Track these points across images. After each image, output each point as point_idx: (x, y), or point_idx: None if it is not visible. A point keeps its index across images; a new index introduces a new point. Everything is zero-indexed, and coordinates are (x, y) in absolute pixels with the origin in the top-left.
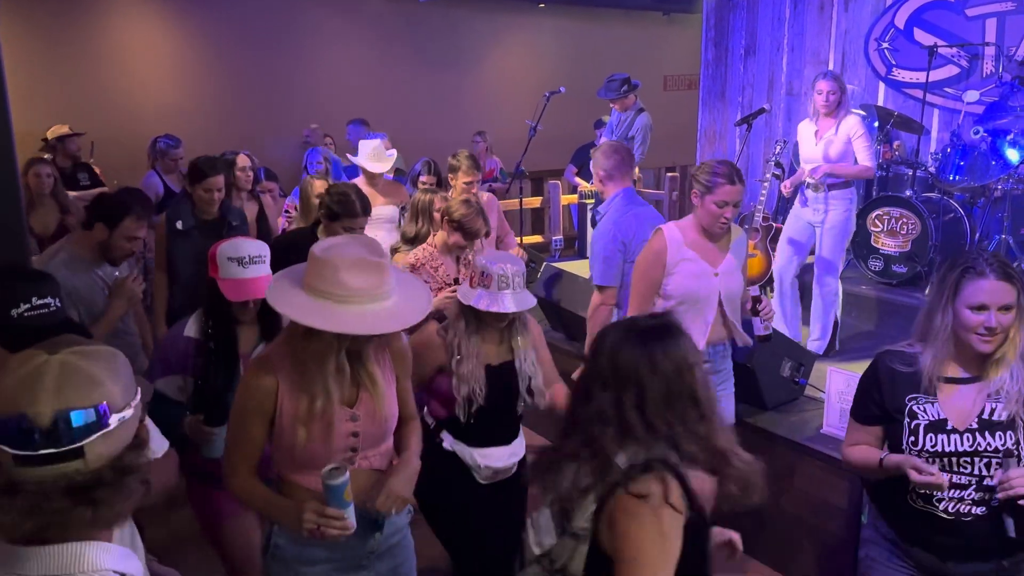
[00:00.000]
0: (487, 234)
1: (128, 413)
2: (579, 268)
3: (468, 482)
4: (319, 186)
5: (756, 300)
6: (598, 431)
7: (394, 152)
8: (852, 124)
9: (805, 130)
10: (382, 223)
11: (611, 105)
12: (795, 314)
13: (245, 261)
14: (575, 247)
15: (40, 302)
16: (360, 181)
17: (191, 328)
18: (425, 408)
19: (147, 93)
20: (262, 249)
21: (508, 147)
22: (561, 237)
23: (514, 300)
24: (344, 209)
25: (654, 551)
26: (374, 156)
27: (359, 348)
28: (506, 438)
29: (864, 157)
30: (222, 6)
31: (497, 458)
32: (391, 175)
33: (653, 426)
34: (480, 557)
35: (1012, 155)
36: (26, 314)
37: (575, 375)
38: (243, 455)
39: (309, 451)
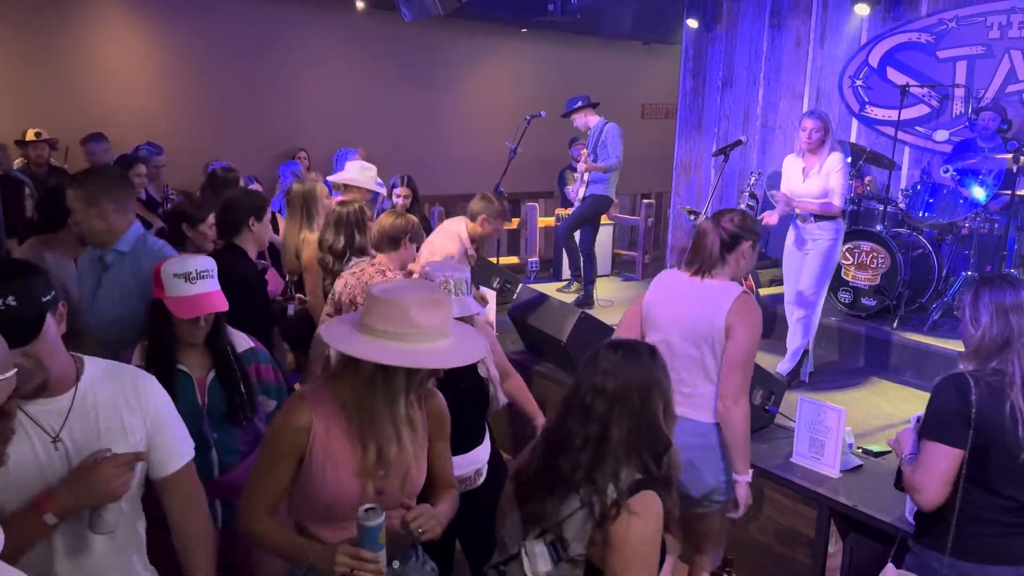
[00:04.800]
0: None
1: None
2: (554, 290)
3: None
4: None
5: None
6: (588, 456)
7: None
8: (835, 161)
9: (792, 165)
10: None
11: (574, 122)
12: (792, 341)
13: (192, 276)
14: (550, 269)
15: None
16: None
17: (137, 356)
18: None
19: (125, 101)
20: (209, 264)
21: (487, 168)
22: (537, 259)
23: (457, 306)
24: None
25: (652, 560)
26: (358, 168)
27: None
28: (464, 446)
29: (835, 196)
30: (203, 16)
31: (458, 467)
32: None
33: (637, 447)
34: (446, 569)
35: (979, 194)
36: None
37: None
38: (266, 499)
39: (332, 503)
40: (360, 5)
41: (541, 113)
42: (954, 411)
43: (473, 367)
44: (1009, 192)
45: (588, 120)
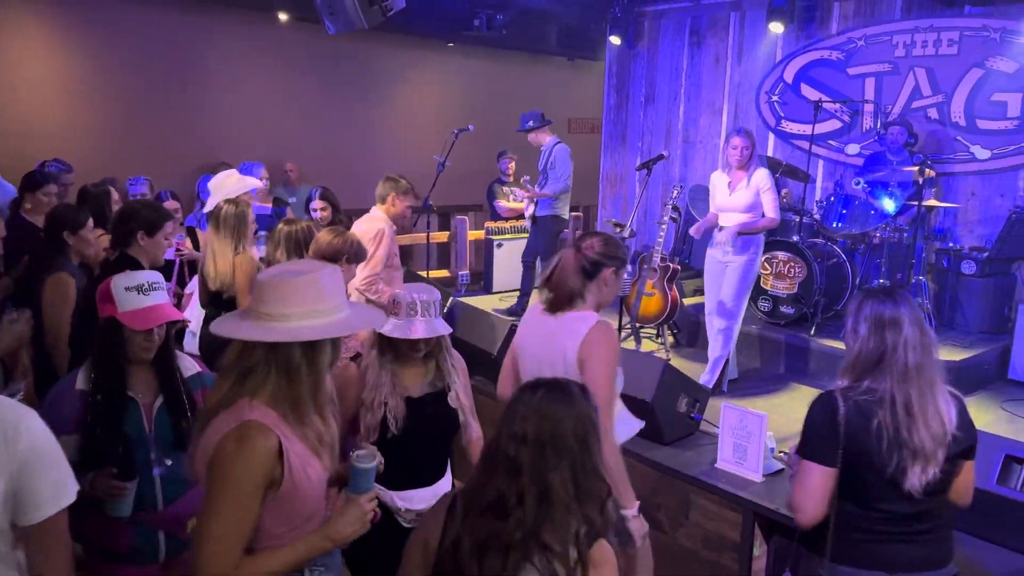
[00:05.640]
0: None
1: None
2: (485, 303)
3: (391, 527)
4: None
5: None
6: (531, 514)
7: (250, 180)
8: (761, 177)
9: (719, 180)
10: None
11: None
12: (713, 351)
13: (145, 288)
14: (481, 282)
15: None
16: None
17: (81, 380)
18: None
19: (35, 115)
20: (157, 276)
21: (416, 181)
22: (468, 272)
23: (424, 327)
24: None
25: None
26: (222, 183)
27: None
28: (429, 478)
29: (770, 209)
30: (116, 25)
31: (420, 500)
32: (268, 205)
33: (580, 496)
34: None
35: (889, 205)
36: None
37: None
38: (243, 542)
39: (316, 497)
40: (283, 17)
41: (469, 127)
42: (824, 430)
43: (443, 396)
44: (916, 203)
45: (540, 138)
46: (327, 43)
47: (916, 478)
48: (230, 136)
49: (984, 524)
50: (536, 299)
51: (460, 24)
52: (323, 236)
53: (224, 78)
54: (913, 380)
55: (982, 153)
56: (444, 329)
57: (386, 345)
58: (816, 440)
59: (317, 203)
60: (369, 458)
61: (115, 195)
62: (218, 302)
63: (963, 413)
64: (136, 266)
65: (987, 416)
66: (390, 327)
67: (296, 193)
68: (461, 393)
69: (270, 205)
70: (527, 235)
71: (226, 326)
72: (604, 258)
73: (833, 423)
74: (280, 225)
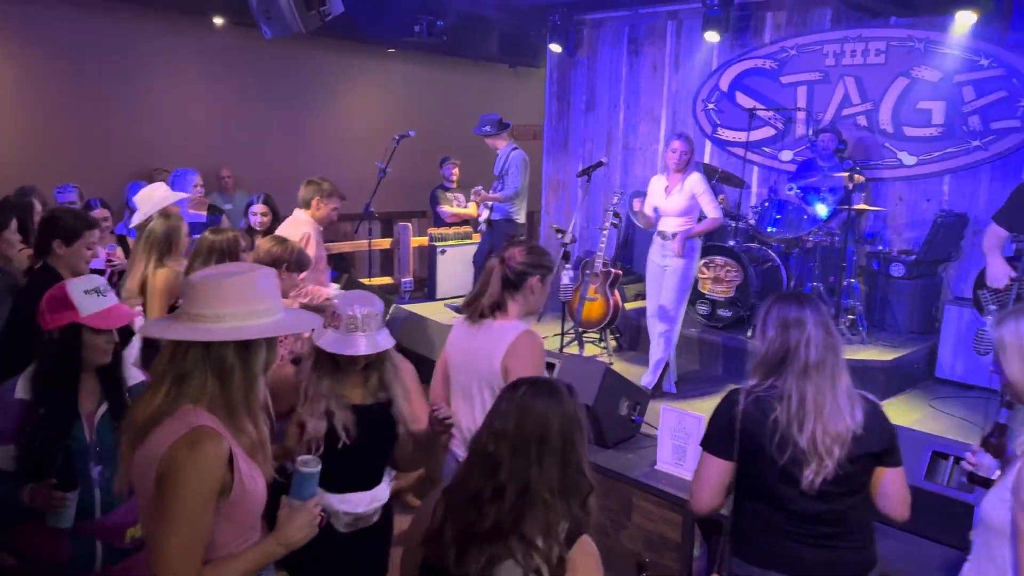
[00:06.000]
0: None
1: None
2: (429, 310)
3: (326, 530)
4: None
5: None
6: (511, 506)
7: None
8: (695, 181)
9: (656, 183)
10: None
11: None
12: (654, 354)
13: (101, 290)
14: (425, 289)
15: None
16: None
17: (22, 390)
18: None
19: None
20: (103, 280)
21: (357, 187)
22: (411, 279)
23: (366, 342)
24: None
25: None
26: (149, 195)
27: None
28: (368, 483)
29: (711, 210)
30: (43, 27)
31: (357, 503)
32: (203, 213)
33: (564, 492)
34: None
35: (821, 210)
36: None
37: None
38: (200, 552)
39: (261, 504)
40: (218, 21)
41: (410, 132)
42: (723, 424)
43: (387, 407)
44: (846, 208)
45: (497, 143)
46: (265, 48)
47: (812, 474)
48: (164, 142)
49: (914, 519)
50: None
51: (401, 30)
52: (263, 244)
53: (157, 83)
54: (813, 377)
55: (909, 159)
56: (387, 343)
57: (325, 357)
58: (715, 433)
59: (258, 207)
60: (314, 463)
61: (38, 206)
62: None
63: (874, 416)
64: (56, 277)
65: (917, 413)
66: (330, 341)
67: (232, 200)
68: (402, 402)
69: (205, 213)
70: (471, 241)
71: (157, 328)
72: (528, 267)
73: (731, 418)
74: (205, 234)
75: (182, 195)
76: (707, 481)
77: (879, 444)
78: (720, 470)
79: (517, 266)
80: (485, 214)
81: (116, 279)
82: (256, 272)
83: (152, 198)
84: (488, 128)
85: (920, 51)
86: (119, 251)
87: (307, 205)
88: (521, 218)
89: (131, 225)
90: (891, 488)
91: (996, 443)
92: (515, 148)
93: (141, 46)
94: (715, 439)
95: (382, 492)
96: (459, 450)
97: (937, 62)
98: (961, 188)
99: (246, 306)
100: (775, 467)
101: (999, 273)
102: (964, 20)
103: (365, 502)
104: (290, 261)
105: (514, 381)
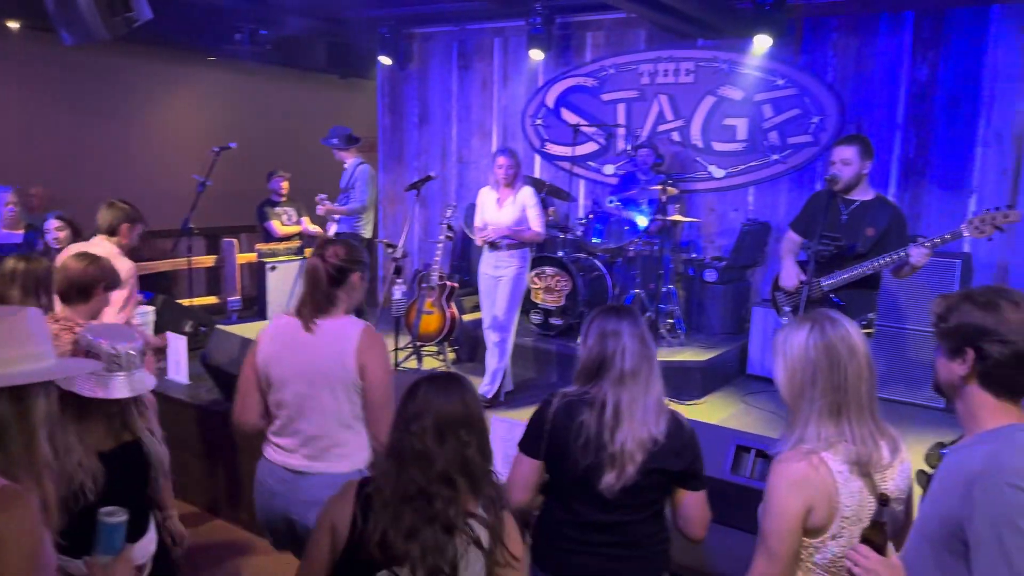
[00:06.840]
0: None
1: None
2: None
3: None
4: None
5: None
6: (473, 480)
7: None
8: (526, 195)
9: (487, 196)
10: None
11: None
12: (490, 363)
13: None
14: (255, 307)
15: None
16: None
17: None
18: None
19: None
20: None
21: (175, 202)
22: (239, 298)
23: (128, 384)
24: None
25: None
26: None
27: None
28: (132, 535)
29: (536, 224)
30: None
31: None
32: (20, 232)
33: (490, 456)
34: None
35: (641, 221)
36: None
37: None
38: None
39: (55, 565)
40: (14, 26)
41: (231, 144)
42: (536, 425)
43: (137, 447)
44: (662, 218)
45: (344, 156)
46: (69, 56)
47: (612, 478)
48: None
49: (723, 511)
50: (279, 313)
51: (220, 38)
52: (72, 263)
53: None
54: (627, 385)
55: (718, 172)
56: (150, 383)
57: (71, 400)
58: (528, 433)
59: (53, 222)
60: (120, 512)
61: None
62: None
63: (679, 435)
64: None
65: (732, 408)
66: (85, 382)
67: (39, 220)
68: (155, 443)
69: (22, 231)
70: (302, 257)
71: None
72: (349, 263)
73: (542, 419)
74: (16, 262)
75: None
76: (517, 479)
77: (679, 463)
78: (528, 468)
79: (339, 263)
80: (333, 228)
81: None
82: (26, 313)
83: None
84: (336, 141)
85: (725, 71)
86: None
87: (113, 232)
88: (368, 232)
89: None
90: (692, 512)
91: (879, 543)
92: (362, 163)
93: None
94: (527, 438)
95: (150, 541)
96: (280, 456)
97: (740, 82)
98: (764, 198)
99: (16, 350)
100: (574, 468)
101: (790, 276)
102: (761, 43)
103: (136, 557)
104: (108, 280)
105: (415, 382)
